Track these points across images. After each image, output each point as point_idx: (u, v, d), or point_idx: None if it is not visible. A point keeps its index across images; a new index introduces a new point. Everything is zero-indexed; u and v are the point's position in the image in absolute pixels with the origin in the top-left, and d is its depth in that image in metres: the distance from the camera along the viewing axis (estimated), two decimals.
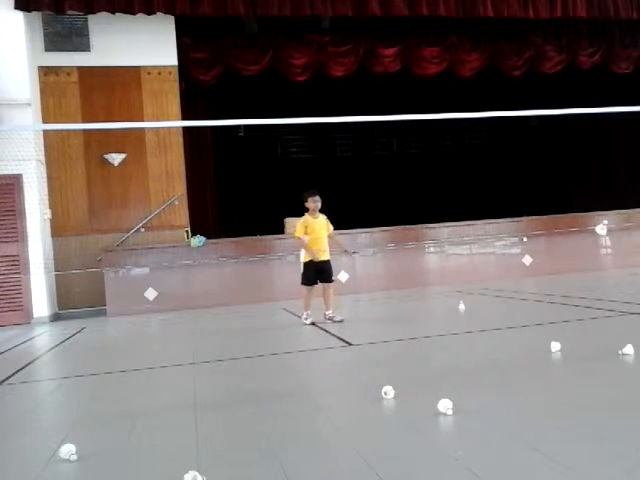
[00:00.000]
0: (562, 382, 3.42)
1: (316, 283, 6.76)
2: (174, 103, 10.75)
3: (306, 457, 2.50)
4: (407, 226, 11.13)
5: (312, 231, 6.67)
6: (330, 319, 6.70)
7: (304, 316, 6.75)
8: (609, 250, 11.80)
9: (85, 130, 10.28)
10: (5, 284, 9.42)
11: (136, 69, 10.61)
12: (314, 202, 6.71)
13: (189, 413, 3.26)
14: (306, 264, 6.74)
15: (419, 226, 11.16)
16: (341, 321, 6.65)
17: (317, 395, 3.51)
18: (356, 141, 18.69)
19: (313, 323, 6.61)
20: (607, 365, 3.67)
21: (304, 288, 6.79)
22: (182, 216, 10.75)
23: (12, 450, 2.95)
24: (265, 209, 15.34)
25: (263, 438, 2.73)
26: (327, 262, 6.78)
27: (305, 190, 6.84)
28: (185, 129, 10.90)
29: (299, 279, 6.89)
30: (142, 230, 10.47)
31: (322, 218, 6.83)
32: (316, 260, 6.63)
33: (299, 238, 6.70)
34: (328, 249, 6.83)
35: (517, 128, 17.56)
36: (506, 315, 6.60)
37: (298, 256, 7.37)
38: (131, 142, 10.49)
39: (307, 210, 6.79)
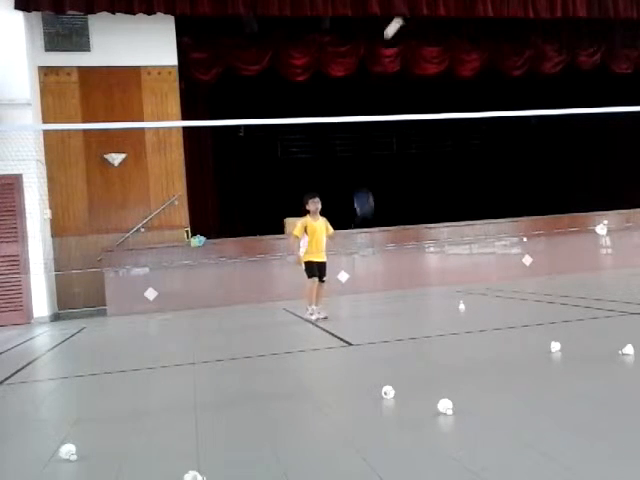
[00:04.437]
0: (562, 382, 3.41)
1: (318, 277, 6.84)
2: (174, 103, 10.75)
3: (306, 457, 2.50)
4: (407, 226, 11.12)
5: (312, 232, 6.74)
6: (312, 313, 6.82)
7: (309, 311, 6.80)
8: (609, 250, 11.80)
9: (85, 130, 10.27)
10: (5, 284, 9.41)
11: (136, 69, 10.60)
12: (314, 204, 6.81)
13: (189, 413, 3.26)
14: (307, 262, 6.84)
15: (419, 226, 11.15)
16: (325, 318, 6.73)
17: (317, 395, 3.51)
18: (356, 141, 18.70)
19: (319, 318, 6.65)
20: (607, 365, 3.67)
21: (308, 282, 6.86)
22: (182, 216, 10.75)
23: (12, 450, 2.95)
24: (265, 209, 15.34)
25: (263, 438, 2.73)
26: (324, 263, 6.94)
27: (305, 192, 6.95)
28: (185, 129, 10.89)
29: (299, 279, 6.93)
30: (142, 230, 10.46)
31: (322, 220, 6.93)
32: (315, 260, 6.79)
33: (297, 237, 6.76)
34: (325, 251, 6.93)
35: (517, 128, 17.56)
36: (506, 315, 6.60)
37: (291, 254, 7.41)
38: (131, 142, 10.48)
39: (307, 212, 6.85)
